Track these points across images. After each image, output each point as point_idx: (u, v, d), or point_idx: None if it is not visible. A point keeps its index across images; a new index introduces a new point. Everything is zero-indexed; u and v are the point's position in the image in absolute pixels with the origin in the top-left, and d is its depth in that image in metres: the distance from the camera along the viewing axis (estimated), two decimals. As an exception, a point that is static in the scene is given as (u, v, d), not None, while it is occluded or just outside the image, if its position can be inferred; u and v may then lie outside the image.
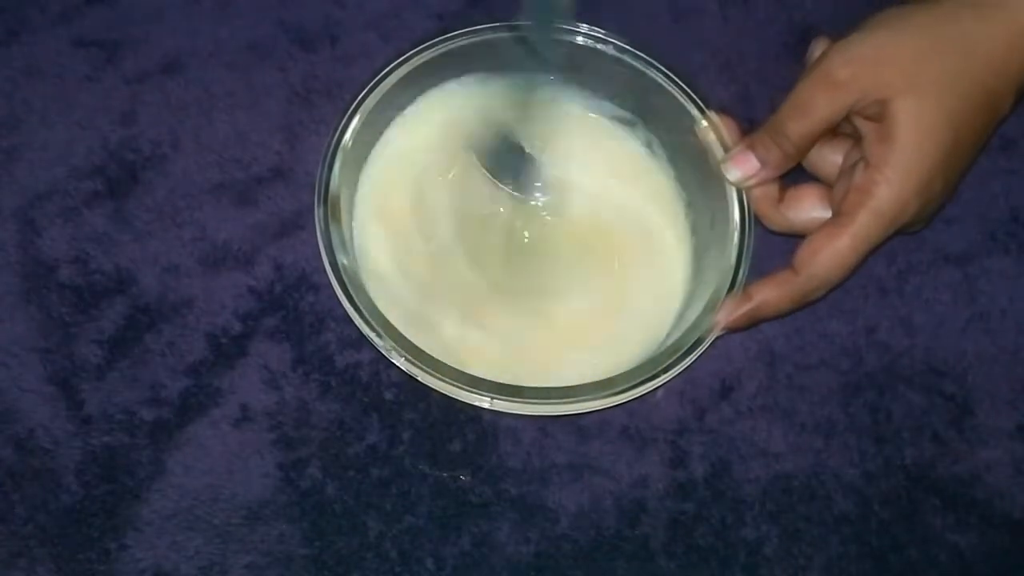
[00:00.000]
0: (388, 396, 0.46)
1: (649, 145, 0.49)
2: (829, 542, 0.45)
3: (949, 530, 0.46)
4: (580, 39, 0.47)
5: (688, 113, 0.46)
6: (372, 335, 0.41)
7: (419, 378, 0.41)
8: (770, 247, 0.50)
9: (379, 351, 0.41)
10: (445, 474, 0.45)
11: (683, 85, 0.47)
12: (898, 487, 0.46)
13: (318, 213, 0.43)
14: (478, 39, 0.47)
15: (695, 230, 0.48)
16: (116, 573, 0.43)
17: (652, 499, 0.45)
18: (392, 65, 0.46)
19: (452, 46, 0.47)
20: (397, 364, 0.41)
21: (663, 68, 0.47)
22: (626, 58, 0.47)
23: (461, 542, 0.44)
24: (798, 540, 0.45)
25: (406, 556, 0.44)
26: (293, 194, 0.50)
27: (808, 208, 0.45)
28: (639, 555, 0.44)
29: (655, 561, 0.44)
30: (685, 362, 0.42)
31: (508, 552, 0.44)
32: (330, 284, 0.43)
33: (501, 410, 0.41)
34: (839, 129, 0.44)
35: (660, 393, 0.46)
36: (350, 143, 0.45)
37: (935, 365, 0.49)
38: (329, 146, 0.44)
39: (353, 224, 0.46)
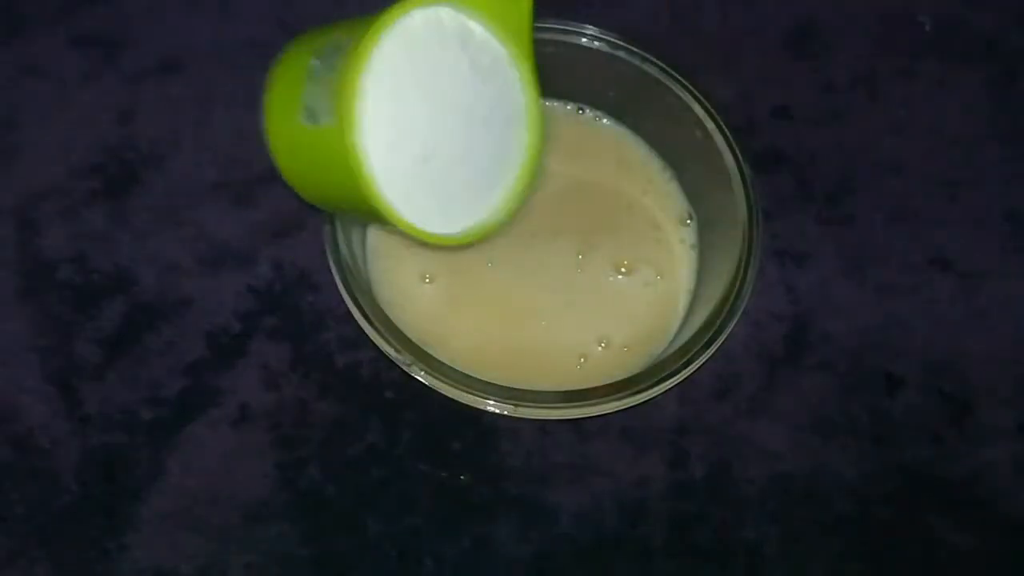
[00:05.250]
0: (388, 396, 0.46)
1: (650, 143, 0.49)
2: (829, 542, 0.45)
3: (949, 530, 0.46)
4: (580, 37, 0.47)
5: (689, 111, 0.46)
6: (391, 351, 0.41)
7: (443, 391, 0.41)
8: (774, 247, 0.51)
9: (399, 366, 0.41)
10: (445, 474, 0.45)
11: (684, 83, 0.46)
12: (898, 487, 0.46)
13: (326, 231, 0.42)
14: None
15: (700, 230, 0.48)
16: (115, 573, 0.43)
17: (652, 499, 0.45)
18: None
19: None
20: (419, 378, 0.41)
21: (662, 66, 0.47)
22: (624, 56, 0.47)
23: (461, 542, 0.44)
24: (798, 540, 0.45)
25: (405, 556, 0.44)
26: (292, 194, 0.50)
27: None
28: (639, 555, 0.44)
29: (655, 561, 0.44)
30: (699, 361, 0.41)
31: (508, 552, 0.44)
32: (330, 283, 0.42)
33: (524, 416, 0.41)
34: None
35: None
36: None
37: (934, 365, 0.49)
38: None
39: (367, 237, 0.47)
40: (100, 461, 0.45)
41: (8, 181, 0.50)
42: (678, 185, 0.49)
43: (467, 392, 0.40)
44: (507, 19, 0.39)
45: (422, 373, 0.41)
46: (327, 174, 0.37)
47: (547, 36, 0.47)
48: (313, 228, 0.48)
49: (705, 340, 0.42)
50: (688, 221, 0.48)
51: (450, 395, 0.41)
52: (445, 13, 0.37)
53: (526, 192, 0.41)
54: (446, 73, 0.38)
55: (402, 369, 0.41)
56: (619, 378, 0.41)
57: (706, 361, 0.42)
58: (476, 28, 0.38)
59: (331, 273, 0.42)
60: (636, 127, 0.50)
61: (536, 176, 0.41)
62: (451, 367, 0.41)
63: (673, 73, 0.46)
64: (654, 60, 0.47)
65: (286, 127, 0.38)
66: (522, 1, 0.39)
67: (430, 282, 0.46)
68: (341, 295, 0.42)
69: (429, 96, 0.37)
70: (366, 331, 0.41)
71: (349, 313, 0.42)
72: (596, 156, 0.50)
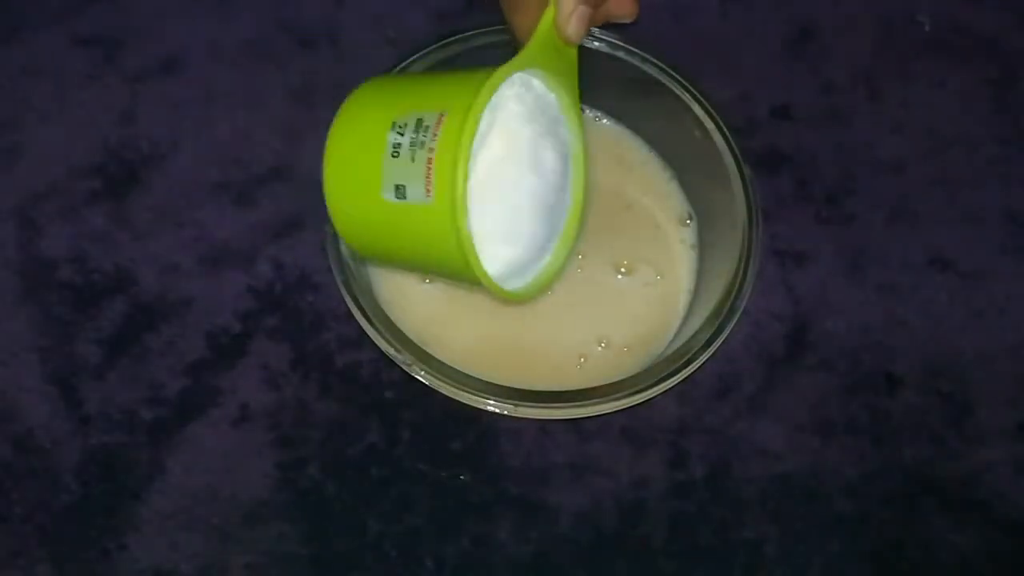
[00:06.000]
0: (388, 395, 0.46)
1: (650, 143, 0.49)
2: (829, 542, 0.45)
3: (949, 530, 0.46)
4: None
5: (689, 111, 0.46)
6: (391, 351, 0.41)
7: (443, 391, 0.41)
8: (774, 247, 0.50)
9: (400, 366, 0.41)
10: (445, 474, 0.45)
11: (684, 83, 0.46)
12: (897, 487, 0.46)
13: (327, 231, 0.42)
14: (483, 41, 0.46)
15: (700, 230, 0.48)
16: (115, 572, 0.43)
17: (652, 499, 0.45)
18: (402, 66, 0.46)
19: (457, 49, 0.46)
20: (419, 378, 0.41)
21: (662, 66, 0.47)
22: (624, 56, 0.47)
23: (461, 542, 0.44)
24: (798, 540, 0.45)
25: (406, 556, 0.44)
26: (293, 194, 0.50)
27: None
28: (639, 555, 0.44)
29: (655, 561, 0.44)
30: (699, 361, 0.41)
31: (508, 552, 0.44)
32: (330, 284, 0.43)
33: (524, 416, 0.41)
34: None
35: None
36: None
37: (933, 365, 0.49)
38: None
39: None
40: (100, 461, 0.45)
41: (9, 181, 0.50)
42: (678, 185, 0.49)
43: (467, 392, 0.40)
44: (558, 68, 0.39)
45: (422, 373, 0.41)
46: (414, 245, 0.37)
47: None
48: (313, 228, 0.48)
49: (705, 340, 0.42)
50: (688, 221, 0.48)
51: (450, 395, 0.41)
52: (518, 76, 0.38)
53: (576, 239, 0.42)
54: (524, 136, 0.38)
55: (402, 369, 0.41)
56: (619, 378, 0.42)
57: (706, 361, 0.42)
58: (537, 83, 0.39)
59: (331, 273, 0.42)
60: (636, 127, 0.50)
61: (583, 221, 0.42)
62: (451, 367, 0.41)
63: (673, 73, 0.46)
64: (654, 60, 0.47)
65: (362, 201, 0.37)
66: (570, 50, 0.40)
67: (430, 282, 0.46)
68: (341, 295, 0.42)
69: (513, 162, 0.38)
70: (366, 331, 0.41)
71: (349, 313, 0.42)
72: (596, 156, 0.49)
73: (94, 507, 0.44)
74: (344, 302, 0.42)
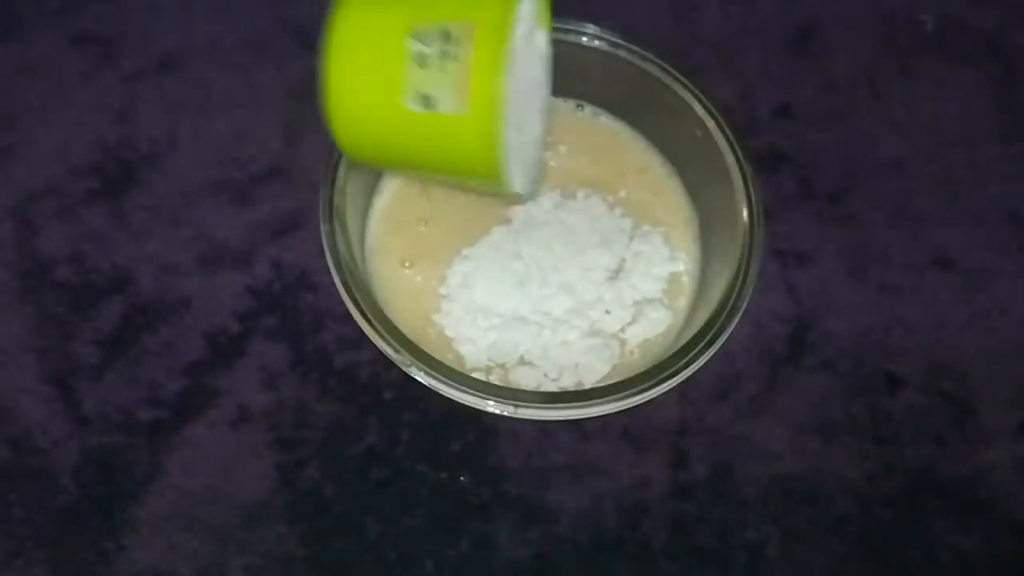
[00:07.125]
0: (387, 396, 0.46)
1: (650, 141, 0.49)
2: (831, 544, 0.45)
3: (952, 532, 0.45)
4: (580, 36, 0.47)
5: (690, 110, 0.46)
6: (390, 351, 0.41)
7: (442, 392, 0.40)
8: (775, 247, 0.50)
9: (399, 366, 0.41)
10: (444, 475, 0.45)
11: (685, 82, 0.46)
12: (900, 488, 0.46)
13: (325, 231, 0.42)
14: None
15: (701, 228, 0.48)
16: (113, 574, 0.43)
17: (653, 500, 0.45)
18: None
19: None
20: (418, 379, 0.41)
21: (663, 65, 0.46)
22: (625, 55, 0.47)
23: (460, 543, 0.44)
24: (799, 542, 0.45)
25: (405, 558, 0.44)
26: (292, 193, 0.50)
27: None
28: (640, 557, 0.44)
29: (656, 563, 0.44)
30: (699, 361, 0.41)
31: (508, 554, 0.44)
32: (328, 283, 0.42)
33: (525, 417, 0.40)
34: None
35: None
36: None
37: (936, 365, 0.48)
38: (333, 155, 0.43)
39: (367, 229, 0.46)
40: (98, 462, 0.45)
41: (6, 181, 0.49)
42: (679, 183, 0.49)
43: (467, 393, 0.40)
44: None
45: (421, 374, 0.40)
46: (431, 151, 0.38)
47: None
48: (312, 227, 0.48)
49: (705, 340, 0.42)
50: (689, 220, 0.48)
51: (450, 396, 0.40)
52: None
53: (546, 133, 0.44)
54: (523, 44, 0.39)
55: (401, 370, 0.41)
56: (619, 378, 0.41)
57: (707, 361, 0.41)
58: None
59: (330, 273, 0.42)
60: (637, 125, 0.50)
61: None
62: (451, 367, 0.41)
63: (673, 72, 0.46)
64: (654, 59, 0.46)
65: (377, 107, 0.37)
66: None
67: (416, 274, 0.46)
68: (340, 295, 0.41)
69: (521, 71, 0.38)
70: (365, 331, 0.41)
71: (348, 313, 0.41)
72: (595, 153, 0.49)
73: (92, 508, 0.44)
74: (343, 302, 0.41)
